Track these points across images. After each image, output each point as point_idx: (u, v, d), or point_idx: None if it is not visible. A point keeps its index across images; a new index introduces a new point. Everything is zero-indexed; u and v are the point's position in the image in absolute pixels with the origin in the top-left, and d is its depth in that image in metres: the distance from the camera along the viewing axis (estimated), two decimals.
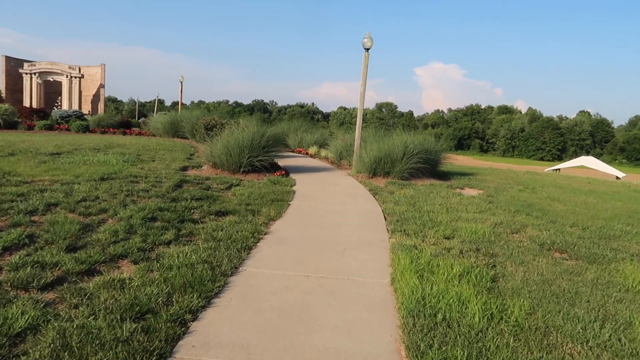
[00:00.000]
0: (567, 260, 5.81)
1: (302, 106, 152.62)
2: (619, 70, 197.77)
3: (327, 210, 8.10)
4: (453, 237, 6.48)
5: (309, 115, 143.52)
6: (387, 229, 6.95)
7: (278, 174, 11.99)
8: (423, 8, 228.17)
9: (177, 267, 4.73)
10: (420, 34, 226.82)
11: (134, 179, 9.62)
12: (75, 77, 57.55)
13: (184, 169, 12.48)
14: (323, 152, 18.33)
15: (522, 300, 4.21)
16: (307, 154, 19.83)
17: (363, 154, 12.91)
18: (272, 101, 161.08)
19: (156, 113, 49.51)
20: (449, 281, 4.55)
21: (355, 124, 14.25)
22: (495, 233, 6.80)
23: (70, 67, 57.97)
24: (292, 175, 12.45)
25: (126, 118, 39.00)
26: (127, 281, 4.34)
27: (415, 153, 12.38)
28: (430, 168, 13.00)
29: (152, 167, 12.03)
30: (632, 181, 21.88)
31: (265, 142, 12.21)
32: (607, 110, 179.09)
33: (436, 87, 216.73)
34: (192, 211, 7.35)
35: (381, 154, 12.31)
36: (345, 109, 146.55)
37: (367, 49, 13.73)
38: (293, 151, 20.97)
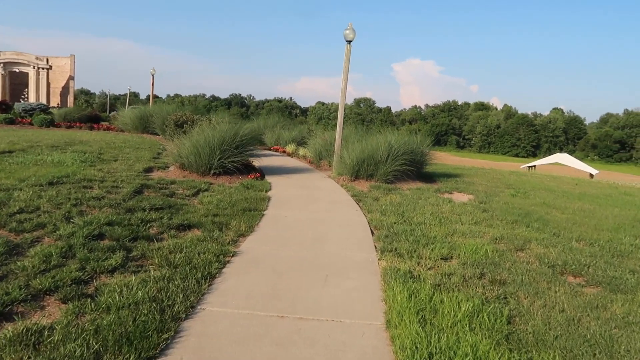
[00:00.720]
0: (585, 287, 5.00)
1: (280, 101, 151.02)
2: (590, 67, 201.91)
3: (306, 222, 7.15)
4: (452, 258, 5.62)
5: (287, 110, 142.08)
6: (375, 246, 6.05)
7: (252, 176, 10.99)
8: (402, 3, 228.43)
9: (117, 308, 3.73)
10: (399, 29, 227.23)
11: (87, 184, 8.49)
12: (43, 69, 55.06)
13: (149, 170, 11.36)
14: (301, 151, 17.36)
15: (551, 354, 3.35)
16: (284, 152, 18.83)
17: (344, 155, 11.99)
18: (250, 95, 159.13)
19: (128, 107, 47.69)
20: (457, 326, 3.66)
21: (336, 121, 13.35)
22: (498, 251, 5.97)
23: (37, 58, 55.43)
24: (268, 178, 11.46)
25: (95, 112, 37.18)
26: (46, 333, 3.32)
27: (401, 154, 11.52)
28: (415, 170, 12.17)
29: (113, 168, 10.88)
30: (616, 181, 21.58)
31: (239, 142, 11.18)
32: (580, 108, 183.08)
33: (413, 83, 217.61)
34: (149, 225, 6.31)
35: (364, 155, 11.41)
36: (323, 104, 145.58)
37: (349, 41, 12.80)
38: (270, 149, 19.95)
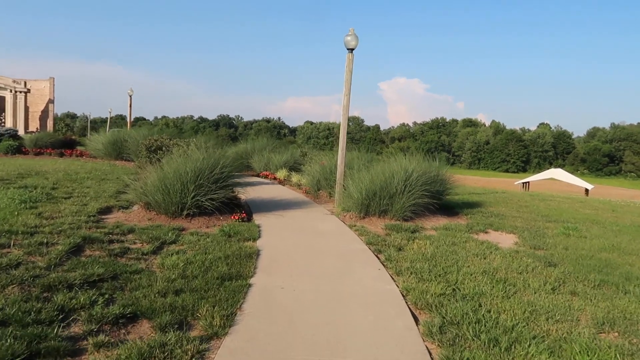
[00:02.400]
0: None
1: (268, 121, 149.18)
2: (576, 82, 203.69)
3: (312, 299, 4.84)
4: None
5: (276, 130, 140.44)
6: (429, 353, 3.76)
7: (236, 217, 8.68)
8: (386, 23, 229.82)
9: None
10: (384, 49, 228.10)
11: (6, 240, 6.13)
12: (21, 92, 52.42)
13: (106, 211, 9.02)
14: (294, 178, 15.10)
15: None
16: (275, 179, 16.55)
17: (350, 186, 9.76)
18: (238, 116, 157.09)
19: (109, 130, 45.27)
20: None
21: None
22: (627, 353, 3.72)
23: (14, 81, 52.83)
24: (257, 217, 9.16)
25: (69, 137, 34.75)
26: None
27: (420, 183, 9.33)
28: (435, 201, 9.97)
29: (59, 210, 8.52)
30: (635, 200, 19.63)
31: (219, 174, 8.89)
32: (566, 122, 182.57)
33: (400, 101, 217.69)
34: (70, 319, 4.01)
35: (375, 186, 9.19)
36: (312, 123, 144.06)
37: (351, 49, 10.69)
38: (258, 175, 17.65)
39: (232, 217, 8.66)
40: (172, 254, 6.12)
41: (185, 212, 8.43)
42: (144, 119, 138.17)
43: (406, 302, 4.81)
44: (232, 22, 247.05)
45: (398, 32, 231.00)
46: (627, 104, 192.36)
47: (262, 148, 19.83)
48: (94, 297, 4.50)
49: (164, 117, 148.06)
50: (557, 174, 53.66)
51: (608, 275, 5.93)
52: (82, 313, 4.18)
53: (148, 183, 8.83)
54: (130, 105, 28.18)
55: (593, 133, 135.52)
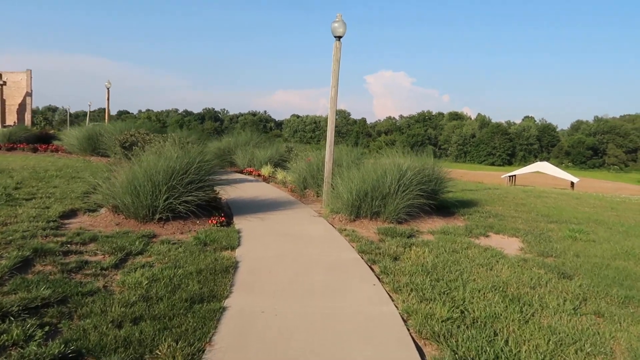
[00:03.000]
0: None
1: (254, 114, 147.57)
2: (559, 75, 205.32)
3: (297, 328, 4.08)
4: None
5: (262, 123, 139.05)
6: None
7: (214, 220, 7.87)
8: (372, 16, 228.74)
9: None
10: (370, 42, 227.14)
11: None
12: None
13: (70, 215, 8.15)
14: (280, 175, 14.30)
15: None
16: (259, 176, 15.72)
17: (338, 185, 9.00)
18: (224, 109, 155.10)
19: (88, 124, 43.86)
20: None
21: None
22: None
23: None
24: (237, 220, 8.36)
25: (45, 131, 33.36)
26: None
27: (415, 183, 8.62)
28: (431, 201, 9.27)
29: (14, 215, 7.64)
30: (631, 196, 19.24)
31: (195, 173, 8.06)
32: (551, 115, 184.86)
33: (386, 95, 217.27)
34: None
35: (366, 185, 8.45)
36: (298, 116, 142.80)
37: (339, 37, 9.89)
38: (242, 172, 16.81)
39: (210, 221, 7.85)
40: (136, 269, 5.31)
41: (157, 216, 7.60)
42: (128, 113, 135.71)
43: (408, 330, 4.07)
44: (219, 14, 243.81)
45: (384, 25, 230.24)
46: (611, 98, 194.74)
47: (246, 143, 18.96)
48: (31, 330, 3.69)
49: (148, 110, 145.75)
50: (543, 167, 53.66)
51: (631, 289, 5.27)
52: (13, 353, 3.38)
53: (116, 184, 7.98)
54: (108, 98, 27.03)
55: (577, 126, 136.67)
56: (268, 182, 14.27)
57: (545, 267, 6.04)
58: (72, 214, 8.25)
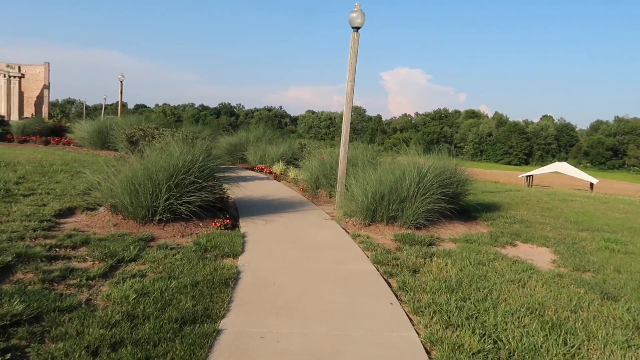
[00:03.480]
0: None
1: (269, 110, 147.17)
2: (580, 75, 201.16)
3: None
4: None
5: (277, 119, 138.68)
6: None
7: (218, 223, 7.32)
8: (389, 14, 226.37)
9: None
10: (387, 39, 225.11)
11: None
12: (14, 77, 50.89)
13: (67, 213, 7.68)
14: (292, 173, 13.72)
15: None
16: (270, 173, 15.17)
17: (353, 186, 8.38)
18: (239, 104, 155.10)
19: (103, 117, 43.79)
20: None
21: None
22: None
23: (8, 66, 51.21)
24: (243, 223, 7.79)
25: (59, 124, 33.30)
26: None
27: (436, 185, 7.96)
28: (452, 206, 8.60)
29: (9, 212, 7.19)
30: None
31: (198, 172, 7.51)
32: (570, 115, 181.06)
33: (402, 92, 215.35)
34: None
35: (383, 187, 7.81)
36: (313, 112, 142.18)
37: (357, 28, 9.25)
38: (253, 169, 16.28)
39: (214, 224, 7.30)
40: (126, 279, 4.77)
41: (157, 218, 7.07)
42: (145, 106, 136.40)
43: None
44: (236, 13, 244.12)
45: (401, 23, 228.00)
46: (632, 98, 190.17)
47: (258, 139, 18.41)
48: None
49: (165, 104, 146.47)
50: (562, 167, 52.38)
51: None
52: None
53: (115, 182, 7.47)
54: (122, 92, 26.75)
55: (597, 126, 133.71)
56: (279, 181, 13.70)
57: (584, 285, 5.36)
58: (69, 212, 7.78)
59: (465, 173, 9.26)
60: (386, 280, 5.27)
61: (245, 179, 13.23)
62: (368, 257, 6.17)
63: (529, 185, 35.60)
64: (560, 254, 6.88)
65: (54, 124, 32.94)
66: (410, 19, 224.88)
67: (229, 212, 8.20)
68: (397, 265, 5.77)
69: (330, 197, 10.31)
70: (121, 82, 26.55)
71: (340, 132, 9.72)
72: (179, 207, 7.08)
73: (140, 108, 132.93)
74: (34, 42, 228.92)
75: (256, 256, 5.95)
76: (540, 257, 6.77)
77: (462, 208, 9.68)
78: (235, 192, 9.32)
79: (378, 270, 5.59)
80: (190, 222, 7.29)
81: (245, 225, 7.62)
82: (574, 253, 6.94)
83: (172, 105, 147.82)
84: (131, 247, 5.81)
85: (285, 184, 13.06)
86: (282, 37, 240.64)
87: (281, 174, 14.84)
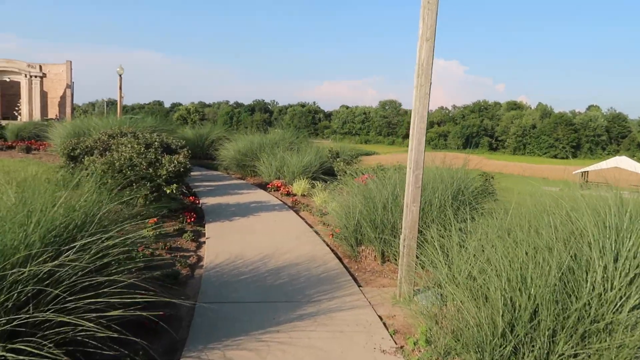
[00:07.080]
0: None
1: (303, 105, 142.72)
2: (629, 60, 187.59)
3: None
4: None
5: (311, 114, 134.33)
6: None
7: None
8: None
9: None
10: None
11: None
12: (36, 77, 48.40)
13: None
14: (318, 197, 9.16)
15: None
16: (288, 194, 10.62)
17: (437, 261, 3.71)
18: (274, 101, 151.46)
19: (119, 116, 40.51)
20: None
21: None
22: None
23: (29, 65, 48.87)
24: (211, 355, 3.28)
25: None
26: None
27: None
28: None
29: None
30: None
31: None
32: (620, 104, 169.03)
33: (438, 84, 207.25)
34: None
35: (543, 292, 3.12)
36: (347, 107, 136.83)
37: None
38: (265, 187, 11.70)
39: None
40: None
41: None
42: (180, 104, 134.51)
43: None
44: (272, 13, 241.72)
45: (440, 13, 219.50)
46: None
47: (275, 144, 13.83)
48: None
49: (200, 102, 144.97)
50: (622, 162, 46.83)
51: None
52: None
53: None
54: (120, 88, 22.77)
55: None
56: (298, 212, 9.00)
57: None
58: None
59: None
60: None
61: (247, 208, 8.76)
62: None
63: (585, 182, 30.27)
64: None
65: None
66: (443, 5, 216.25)
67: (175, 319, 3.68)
68: None
69: (383, 263, 5.65)
70: (120, 75, 22.57)
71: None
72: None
73: (175, 106, 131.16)
74: (58, 41, 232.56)
75: None
76: None
77: None
78: (216, 242, 4.83)
79: None
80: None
81: None
82: None
83: (207, 102, 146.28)
84: None
85: (307, 218, 8.46)
86: (322, 35, 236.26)
87: (303, 195, 10.31)
